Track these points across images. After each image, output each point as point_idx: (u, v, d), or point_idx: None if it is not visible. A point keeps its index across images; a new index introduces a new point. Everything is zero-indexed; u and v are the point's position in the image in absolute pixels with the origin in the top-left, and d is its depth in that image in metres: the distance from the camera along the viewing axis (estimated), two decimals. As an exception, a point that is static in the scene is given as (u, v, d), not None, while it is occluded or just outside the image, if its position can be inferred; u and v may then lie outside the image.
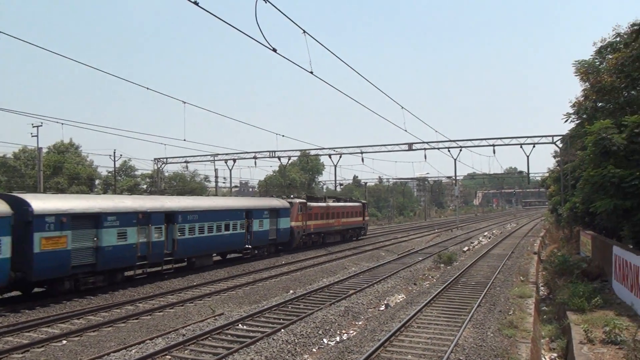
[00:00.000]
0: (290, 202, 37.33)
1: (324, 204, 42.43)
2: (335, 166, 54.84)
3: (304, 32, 16.17)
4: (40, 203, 19.30)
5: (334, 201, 46.01)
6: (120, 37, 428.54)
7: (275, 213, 34.81)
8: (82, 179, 61.91)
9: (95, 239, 20.97)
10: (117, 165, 60.94)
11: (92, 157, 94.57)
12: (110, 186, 65.62)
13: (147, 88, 24.50)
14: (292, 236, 37.05)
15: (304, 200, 39.59)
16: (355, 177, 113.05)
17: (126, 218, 22.42)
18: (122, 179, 71.09)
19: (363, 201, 54.85)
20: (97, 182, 69.96)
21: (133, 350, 13.52)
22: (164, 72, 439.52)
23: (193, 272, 26.98)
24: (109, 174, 67.52)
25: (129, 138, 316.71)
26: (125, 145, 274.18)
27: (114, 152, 55.38)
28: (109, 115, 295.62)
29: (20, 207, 18.57)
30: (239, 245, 31.35)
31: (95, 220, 21.03)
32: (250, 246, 32.12)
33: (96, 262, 21.01)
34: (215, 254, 30.88)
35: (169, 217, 25.09)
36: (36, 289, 20.64)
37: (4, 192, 24.13)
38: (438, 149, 49.14)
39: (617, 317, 15.29)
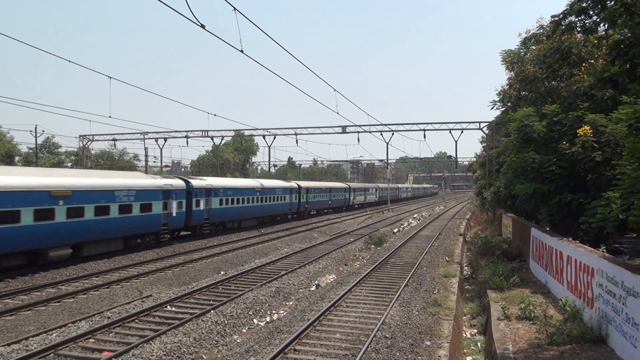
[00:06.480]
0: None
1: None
2: (270, 147, 54.62)
3: (235, 9, 15.81)
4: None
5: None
6: (41, 5, 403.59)
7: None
8: (0, 155, 58.38)
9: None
10: (39, 141, 57.83)
11: (12, 132, 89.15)
12: (31, 163, 62.20)
13: (69, 61, 23.35)
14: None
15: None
16: (290, 159, 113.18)
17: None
18: (45, 156, 67.60)
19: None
20: (17, 159, 66.21)
21: (54, 334, 12.99)
22: (88, 45, 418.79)
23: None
24: (30, 151, 63.99)
25: (51, 113, 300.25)
26: (48, 121, 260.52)
27: (35, 128, 52.52)
28: (28, 88, 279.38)
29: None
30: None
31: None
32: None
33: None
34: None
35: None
36: None
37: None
38: (371, 132, 49.94)
39: (532, 294, 16.22)
